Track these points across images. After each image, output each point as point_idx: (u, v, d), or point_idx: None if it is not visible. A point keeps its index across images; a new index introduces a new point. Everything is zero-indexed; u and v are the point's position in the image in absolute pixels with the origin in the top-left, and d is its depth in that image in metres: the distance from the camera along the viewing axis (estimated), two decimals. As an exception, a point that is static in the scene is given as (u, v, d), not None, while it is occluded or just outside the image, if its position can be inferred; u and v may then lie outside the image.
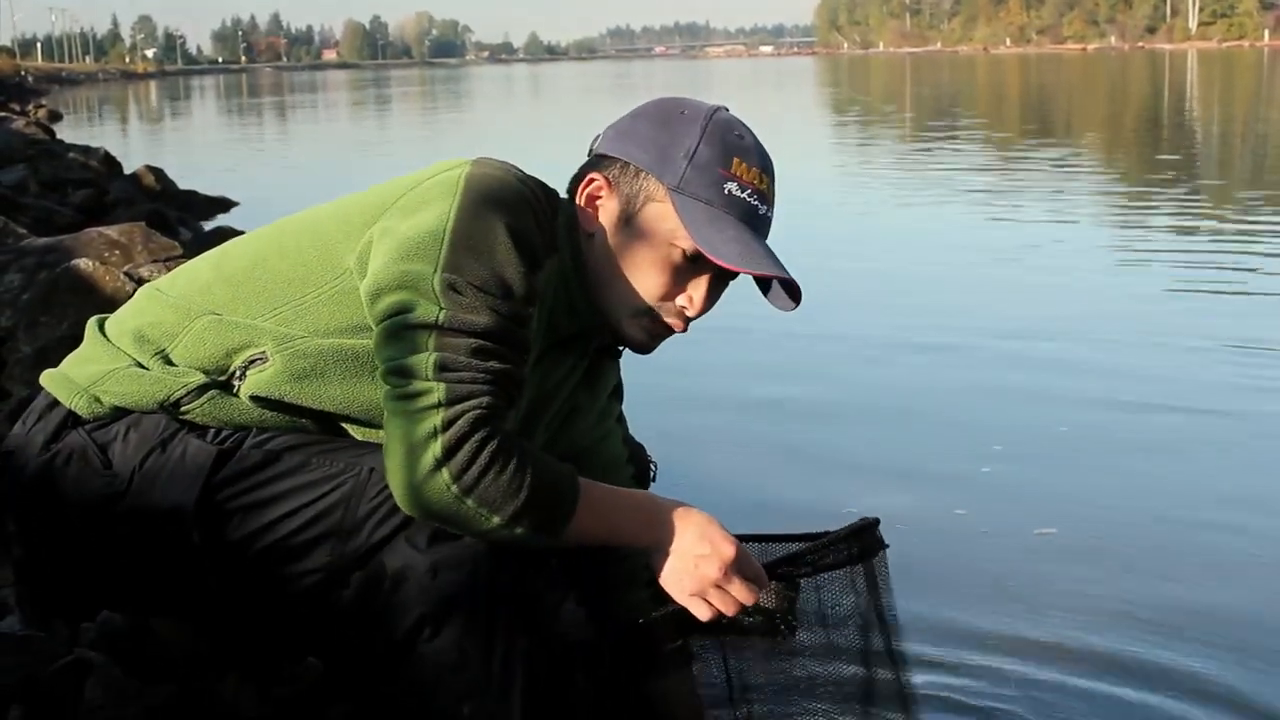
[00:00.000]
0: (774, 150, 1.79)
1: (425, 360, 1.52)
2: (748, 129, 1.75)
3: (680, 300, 1.72)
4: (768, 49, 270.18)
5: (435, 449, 1.50)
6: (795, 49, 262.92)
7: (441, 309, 1.53)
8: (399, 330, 1.54)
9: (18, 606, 2.23)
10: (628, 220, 1.70)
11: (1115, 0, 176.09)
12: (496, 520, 1.52)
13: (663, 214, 1.68)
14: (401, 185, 1.68)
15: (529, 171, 1.74)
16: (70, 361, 1.78)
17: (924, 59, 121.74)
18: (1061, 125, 23.11)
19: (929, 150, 17.12)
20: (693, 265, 1.69)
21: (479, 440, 1.51)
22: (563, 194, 1.79)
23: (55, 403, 1.72)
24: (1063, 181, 12.56)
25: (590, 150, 1.78)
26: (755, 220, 1.71)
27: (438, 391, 1.51)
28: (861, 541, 1.83)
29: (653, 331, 1.76)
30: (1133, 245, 8.35)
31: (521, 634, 1.59)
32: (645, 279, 1.71)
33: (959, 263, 7.92)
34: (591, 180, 1.73)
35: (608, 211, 1.72)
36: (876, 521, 1.84)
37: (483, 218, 1.58)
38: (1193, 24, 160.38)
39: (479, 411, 1.51)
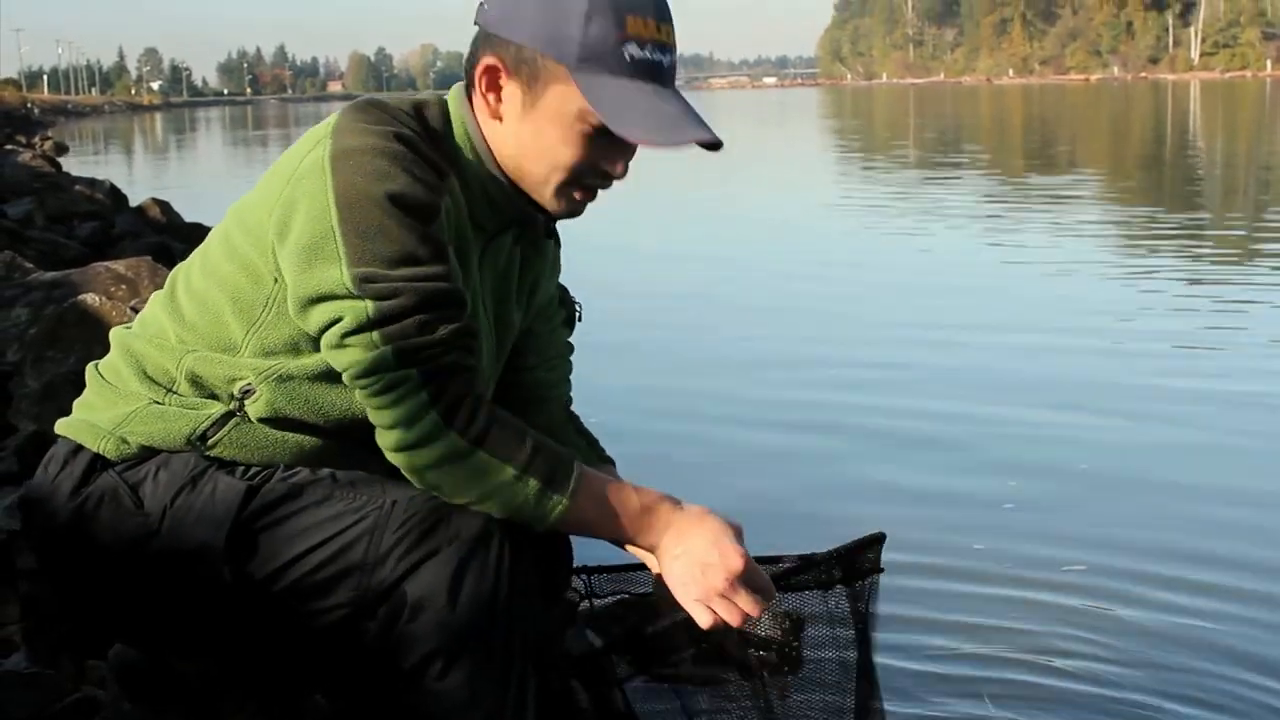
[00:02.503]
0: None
1: (382, 356, 1.53)
2: None
3: (604, 166, 1.68)
4: (771, 80, 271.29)
5: (434, 416, 1.53)
6: (799, 80, 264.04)
7: (367, 304, 1.53)
8: (342, 340, 1.55)
9: (24, 643, 2.24)
10: (533, 105, 1.65)
11: (1118, 31, 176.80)
12: (511, 470, 1.55)
13: (567, 94, 1.62)
14: (279, 179, 1.63)
15: None
16: (84, 408, 1.77)
17: (927, 90, 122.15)
18: (1073, 161, 23.10)
19: (935, 184, 17.16)
20: (607, 135, 1.64)
21: (475, 398, 1.56)
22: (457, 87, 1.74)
23: (79, 448, 1.71)
24: (1081, 217, 12.48)
25: (476, 21, 1.69)
26: (661, 74, 1.63)
27: (412, 376, 1.53)
28: (867, 555, 1.85)
29: (579, 199, 1.73)
30: (1150, 284, 8.27)
31: (536, 671, 1.59)
32: (561, 157, 1.66)
33: (972, 298, 7.91)
34: (488, 68, 1.67)
35: (511, 97, 1.66)
36: (882, 536, 1.85)
37: (363, 198, 1.55)
38: (1195, 54, 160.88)
39: (462, 375, 1.56)
